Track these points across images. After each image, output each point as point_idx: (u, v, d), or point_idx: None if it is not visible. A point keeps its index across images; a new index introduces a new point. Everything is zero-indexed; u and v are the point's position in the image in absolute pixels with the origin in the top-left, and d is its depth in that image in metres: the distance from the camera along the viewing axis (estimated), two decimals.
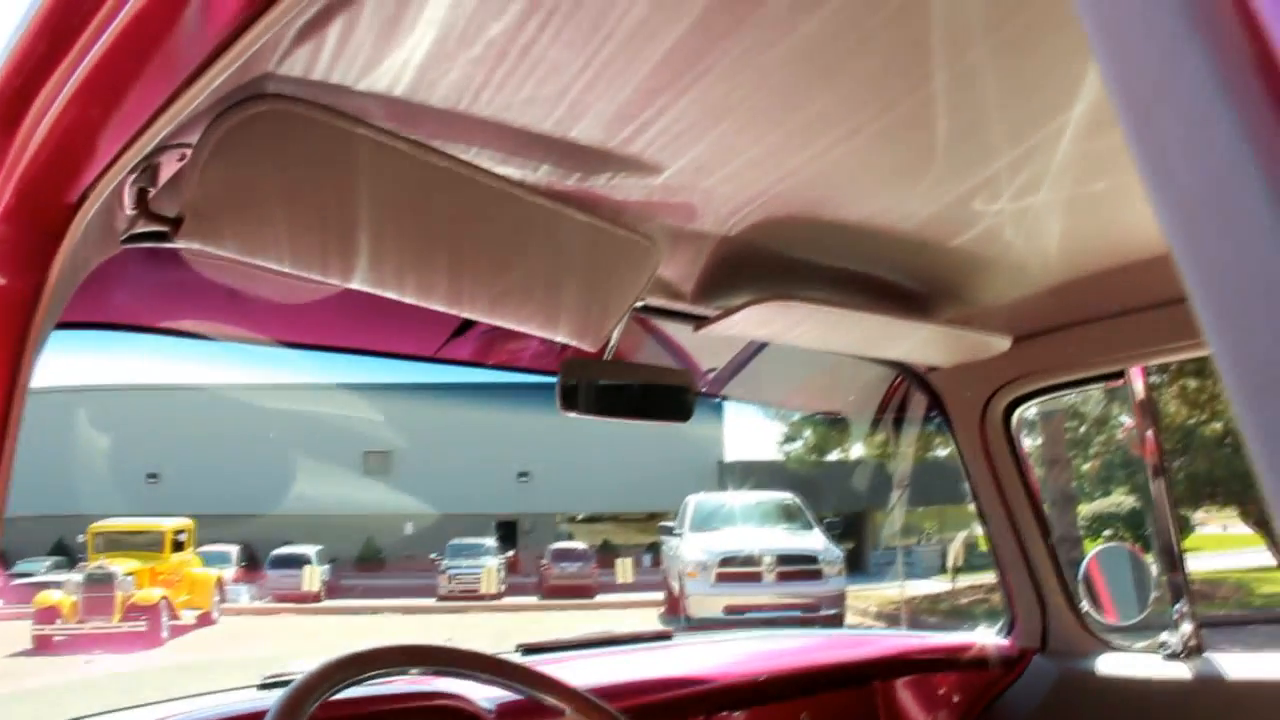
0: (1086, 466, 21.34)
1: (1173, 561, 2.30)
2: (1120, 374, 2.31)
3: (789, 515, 18.69)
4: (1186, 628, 2.26)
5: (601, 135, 1.33)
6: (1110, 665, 2.36)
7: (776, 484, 20.51)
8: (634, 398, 1.89)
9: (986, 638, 2.62)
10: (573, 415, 1.83)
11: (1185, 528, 21.78)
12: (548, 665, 1.73)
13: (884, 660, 2.49)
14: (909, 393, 2.70)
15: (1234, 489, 20.37)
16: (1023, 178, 1.55)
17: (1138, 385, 2.30)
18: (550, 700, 1.54)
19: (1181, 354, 2.23)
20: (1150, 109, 0.31)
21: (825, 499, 22.39)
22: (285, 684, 1.31)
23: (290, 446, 28.34)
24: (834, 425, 21.25)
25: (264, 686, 1.74)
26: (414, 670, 1.52)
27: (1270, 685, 2.12)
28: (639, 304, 1.77)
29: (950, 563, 22.23)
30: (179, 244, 1.15)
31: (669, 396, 1.94)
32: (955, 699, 2.51)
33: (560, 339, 1.63)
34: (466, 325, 2.06)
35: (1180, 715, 2.20)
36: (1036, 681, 2.46)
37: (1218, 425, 19.64)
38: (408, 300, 1.38)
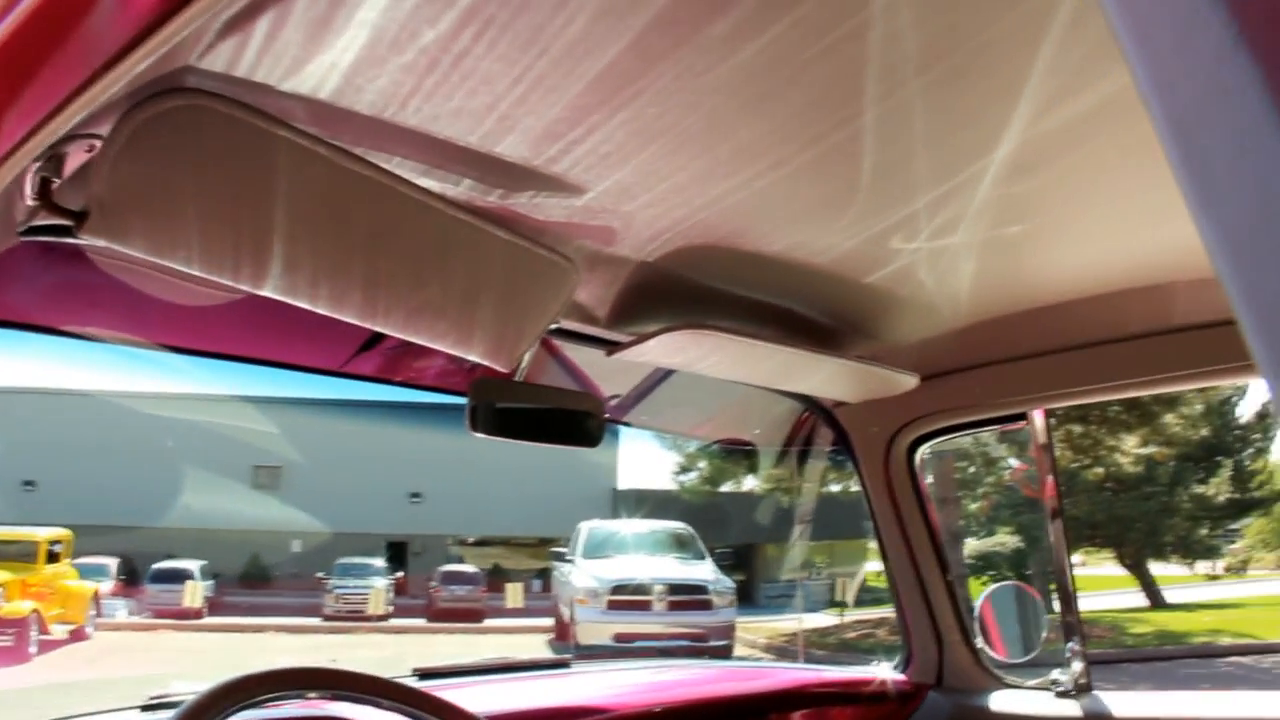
0: (974, 506, 21.79)
1: (1067, 601, 2.35)
2: (1023, 416, 2.35)
3: (681, 545, 18.74)
4: (1077, 666, 2.31)
5: (528, 152, 1.31)
6: (1003, 702, 2.39)
7: (670, 513, 20.54)
8: (543, 421, 1.86)
9: (883, 672, 2.64)
10: (479, 436, 1.80)
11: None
12: (444, 691, 1.69)
13: (781, 693, 2.49)
14: (815, 427, 2.71)
15: (1111, 532, 20.97)
16: (942, 218, 1.57)
17: (1039, 428, 2.34)
18: None
19: (1082, 399, 2.28)
20: (1194, 126, 0.30)
21: (718, 530, 22.50)
22: (170, 705, 1.25)
23: (177, 457, 27.61)
24: (728, 457, 21.38)
25: (146, 709, 1.66)
26: (310, 694, 1.47)
27: None
28: (553, 326, 1.75)
29: (839, 597, 22.49)
30: (82, 239, 1.09)
31: (578, 421, 1.92)
32: None
33: (473, 358, 1.60)
34: (374, 340, 2.01)
35: None
36: (932, 717, 2.49)
37: (1099, 470, 20.21)
38: (320, 311, 1.34)
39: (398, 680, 1.54)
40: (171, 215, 1.12)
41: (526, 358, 1.77)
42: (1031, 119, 1.24)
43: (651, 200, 1.47)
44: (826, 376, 2.20)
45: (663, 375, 2.49)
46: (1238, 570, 32.28)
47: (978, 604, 2.48)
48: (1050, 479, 2.38)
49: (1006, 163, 1.36)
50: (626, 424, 2.67)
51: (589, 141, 1.28)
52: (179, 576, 23.68)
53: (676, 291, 1.86)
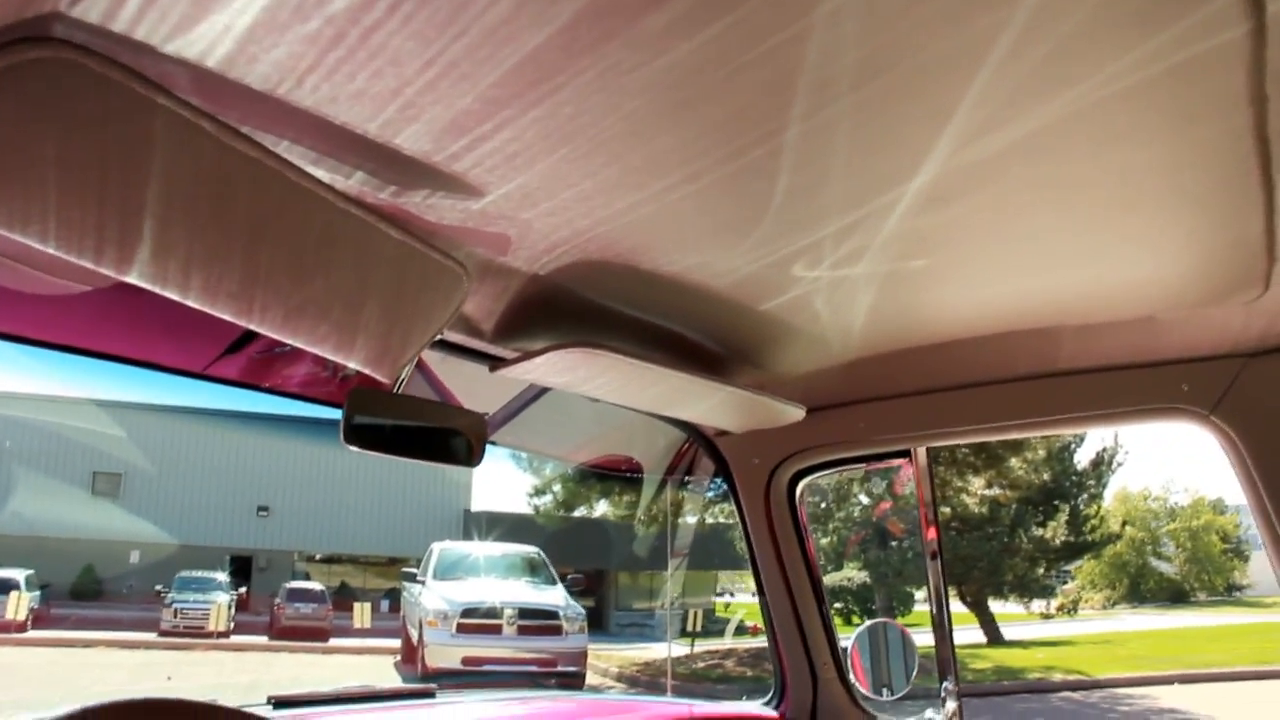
0: (825, 541, 22.15)
1: (942, 638, 2.33)
2: (906, 453, 2.34)
3: (533, 569, 18.65)
4: (951, 705, 2.29)
5: (429, 146, 1.22)
6: None
7: (522, 537, 20.42)
8: (423, 437, 1.76)
9: (756, 709, 2.60)
10: (348, 449, 1.69)
11: (908, 604, 22.89)
12: None
13: None
14: (692, 456, 2.67)
15: (955, 571, 21.55)
16: (847, 247, 1.53)
17: (921, 465, 2.33)
18: None
19: (966, 438, 2.29)
20: None
21: (570, 556, 22.43)
22: None
23: (6, 458, 26.38)
24: (582, 482, 21.33)
25: None
26: None
27: None
28: (438, 337, 1.66)
29: (690, 627, 22.57)
30: None
31: (459, 439, 1.82)
32: None
33: (354, 365, 1.49)
34: (241, 342, 1.89)
35: None
36: None
37: (945, 510, 20.77)
38: (190, 304, 1.22)
39: (249, 709, 1.42)
40: (27, 183, 1.00)
41: (407, 370, 1.68)
42: (954, 149, 1.21)
43: (553, 209, 1.39)
44: (714, 405, 2.15)
45: (533, 395, 2.41)
46: (1069, 610, 33.55)
47: (850, 641, 2.46)
48: (929, 516, 2.37)
49: (921, 193, 1.33)
50: (498, 444, 2.57)
51: (497, 138, 1.19)
52: (2, 587, 22.54)
53: (567, 308, 1.79)
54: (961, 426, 2.21)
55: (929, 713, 2.33)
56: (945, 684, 2.32)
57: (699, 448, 2.62)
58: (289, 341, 1.39)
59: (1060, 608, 32.76)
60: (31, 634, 21.21)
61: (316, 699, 2.09)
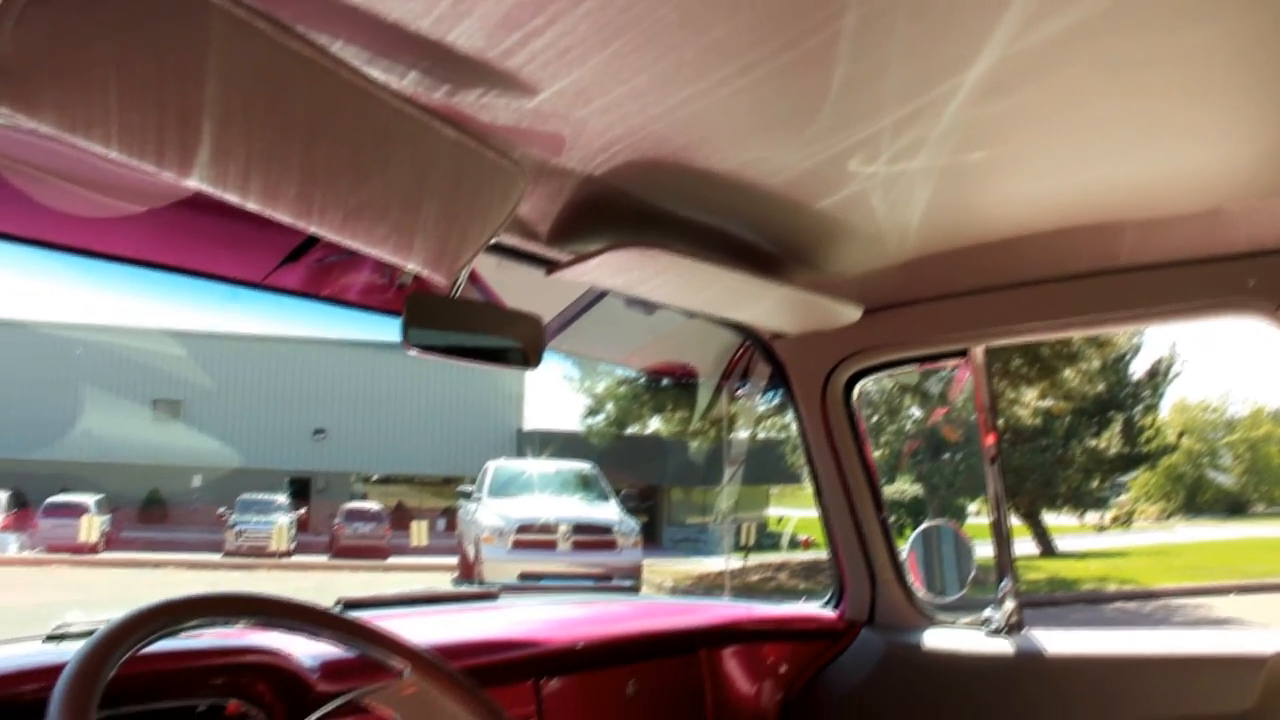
0: (875, 455, 22.11)
1: (1001, 541, 2.34)
2: (964, 353, 2.32)
3: (586, 485, 18.73)
4: (1009, 605, 2.30)
5: (482, 42, 1.21)
6: (936, 640, 2.39)
7: (575, 455, 20.53)
8: (481, 340, 1.77)
9: (814, 609, 2.63)
10: (412, 354, 1.70)
11: (961, 517, 22.90)
12: (373, 621, 1.61)
13: (711, 629, 2.46)
14: (749, 361, 2.67)
15: (1008, 483, 21.48)
16: (905, 139, 1.52)
17: (979, 365, 2.32)
18: (385, 658, 1.42)
19: (1025, 336, 2.27)
20: None
21: (623, 472, 22.58)
22: (76, 636, 1.15)
23: (74, 388, 26.95)
24: (634, 399, 21.38)
25: (51, 638, 1.55)
26: (236, 622, 1.38)
27: (1084, 660, 2.19)
28: (494, 239, 1.66)
29: (743, 541, 22.75)
30: None
31: (516, 343, 1.83)
32: (782, 669, 2.50)
33: (412, 266, 1.50)
34: (299, 251, 1.91)
35: (1001, 688, 2.25)
36: (863, 653, 2.48)
37: (999, 422, 20.64)
38: (250, 206, 1.22)
39: (328, 608, 1.46)
40: (88, 85, 0.99)
41: (464, 274, 1.68)
42: (1015, 32, 1.19)
43: (607, 105, 1.39)
44: (769, 305, 2.15)
45: (590, 301, 2.41)
46: (1124, 521, 33.39)
47: (908, 543, 2.47)
48: (987, 420, 2.36)
49: (981, 81, 1.31)
50: (555, 350, 2.58)
51: (549, 33, 1.19)
52: (74, 510, 23.18)
53: (622, 209, 1.79)
54: (1020, 324, 2.19)
55: (987, 612, 2.34)
56: (1003, 584, 2.33)
57: (754, 352, 2.61)
58: (348, 243, 1.40)
59: (1114, 519, 32.60)
60: (103, 555, 21.81)
61: (384, 601, 2.14)
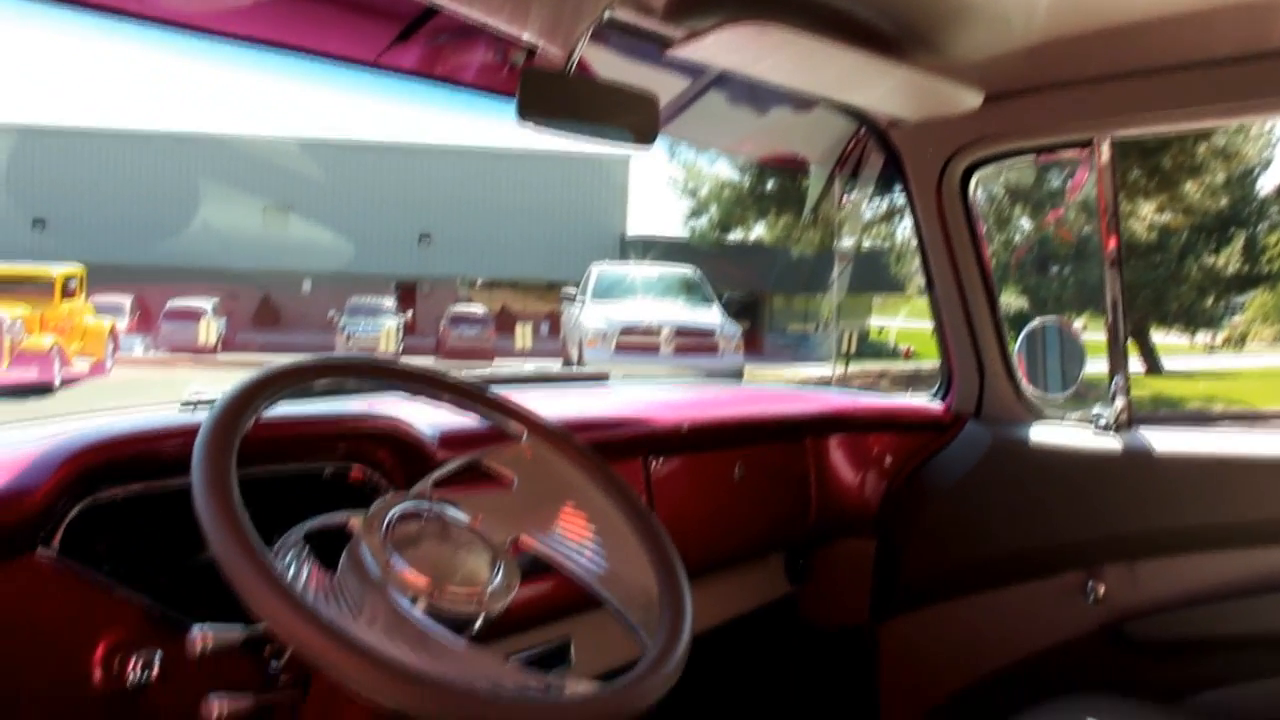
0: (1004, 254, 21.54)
1: (1115, 337, 2.30)
2: (1087, 144, 2.23)
3: (689, 289, 18.64)
4: (1120, 402, 2.27)
5: None
6: (1042, 434, 2.38)
7: (678, 260, 20.45)
8: (596, 115, 1.75)
9: (922, 401, 2.63)
10: (528, 129, 1.69)
11: None
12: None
13: (818, 417, 2.48)
14: (864, 152, 2.60)
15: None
16: None
17: (1105, 157, 2.23)
18: (503, 422, 1.46)
19: (1157, 125, 2.17)
20: None
21: (725, 278, 22.50)
22: (211, 402, 1.19)
23: (186, 197, 27.57)
24: (738, 203, 21.11)
25: (186, 405, 1.62)
26: (361, 385, 1.42)
27: (1195, 459, 2.17)
28: (609, 13, 1.63)
29: (844, 349, 22.69)
30: None
31: (631, 119, 1.81)
32: (886, 459, 2.52)
33: (528, 36, 1.49)
34: (411, 28, 1.89)
35: (1108, 483, 2.24)
36: (969, 446, 2.47)
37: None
38: None
39: (448, 374, 1.49)
40: None
41: (579, 48, 1.66)
42: None
43: None
44: (887, 89, 2.08)
45: (708, 84, 2.36)
46: (1236, 343, 32.55)
47: (1020, 337, 2.44)
48: (1111, 219, 2.28)
49: None
50: (669, 134, 2.53)
51: None
52: (193, 314, 24.01)
53: None
54: (1153, 113, 2.09)
55: (1097, 408, 2.31)
56: (1115, 380, 2.30)
57: (868, 142, 2.55)
58: (464, 11, 1.39)
59: (1226, 340, 31.78)
60: (222, 357, 22.62)
61: (498, 379, 2.19)
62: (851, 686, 2.57)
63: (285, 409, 1.29)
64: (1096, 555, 2.25)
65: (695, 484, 2.14)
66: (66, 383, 16.87)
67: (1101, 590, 2.22)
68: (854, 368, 21.06)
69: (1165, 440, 2.20)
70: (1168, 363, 23.45)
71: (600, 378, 2.52)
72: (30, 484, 1.16)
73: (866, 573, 2.54)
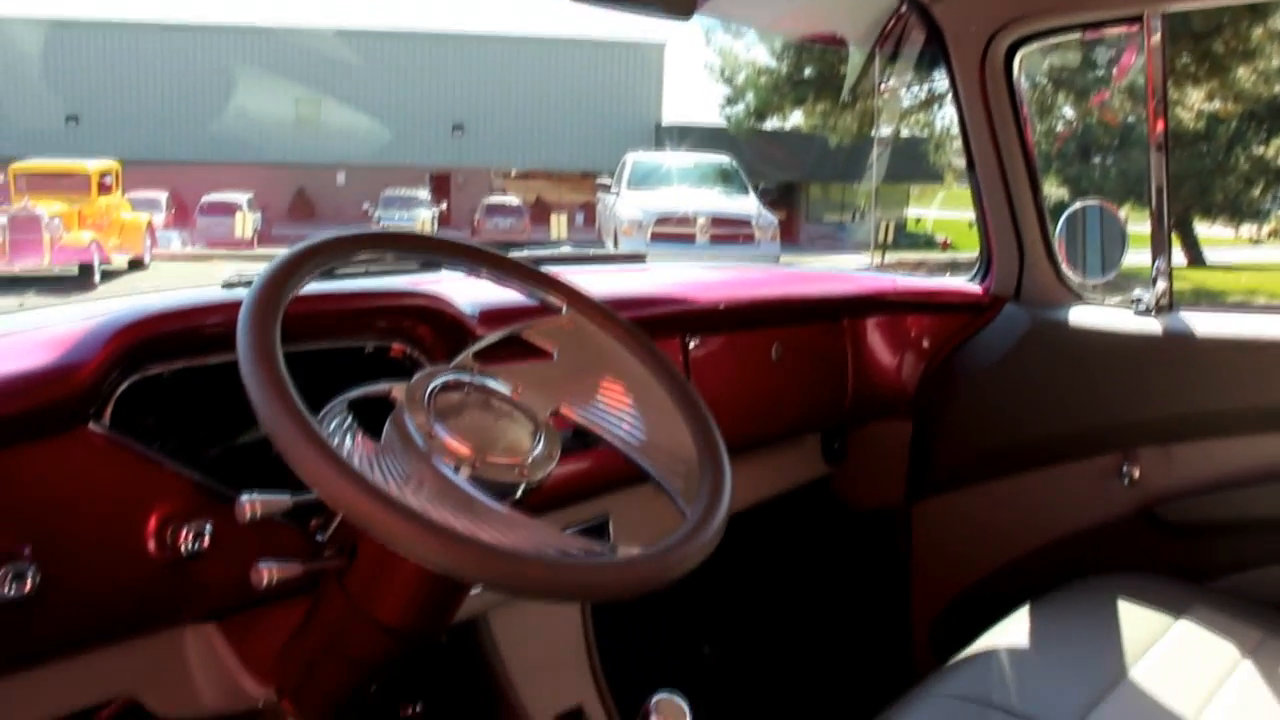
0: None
1: (1159, 220, 2.26)
2: (1137, 19, 2.17)
3: (725, 178, 18.39)
4: (1161, 285, 2.25)
5: None
6: (1082, 316, 2.35)
7: (714, 149, 20.20)
8: None
9: (960, 283, 2.61)
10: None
11: None
12: None
13: (856, 298, 2.46)
14: (904, 30, 2.54)
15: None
16: None
17: (1155, 34, 2.16)
18: (543, 295, 1.46)
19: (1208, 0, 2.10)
20: None
21: (761, 167, 22.24)
22: (251, 282, 1.19)
23: (218, 92, 27.40)
24: (775, 90, 20.76)
25: (227, 286, 1.62)
26: (400, 260, 1.42)
27: (1233, 342, 2.14)
28: None
29: (881, 239, 22.49)
30: None
31: None
32: (925, 341, 2.50)
33: None
34: None
35: (1148, 366, 2.22)
36: (1007, 328, 2.45)
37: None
38: None
39: (488, 247, 1.48)
40: None
41: None
42: None
43: None
44: None
45: None
46: None
47: (1060, 220, 2.40)
48: (1159, 101, 2.22)
49: None
50: (705, 13, 2.49)
51: None
52: (229, 209, 24.01)
53: None
54: None
55: (1137, 291, 2.28)
56: (1158, 263, 2.26)
57: (909, 20, 2.49)
58: None
59: (1272, 233, 31.25)
60: (259, 250, 22.67)
61: (536, 258, 2.18)
62: (885, 567, 2.60)
63: (325, 285, 1.29)
64: (1132, 438, 2.24)
65: (732, 364, 2.14)
66: (106, 277, 16.97)
67: (1136, 473, 2.21)
68: (891, 257, 20.87)
69: (1205, 323, 2.18)
70: (1210, 255, 23.05)
71: (638, 258, 2.51)
72: (80, 359, 1.17)
73: (902, 454, 2.55)
